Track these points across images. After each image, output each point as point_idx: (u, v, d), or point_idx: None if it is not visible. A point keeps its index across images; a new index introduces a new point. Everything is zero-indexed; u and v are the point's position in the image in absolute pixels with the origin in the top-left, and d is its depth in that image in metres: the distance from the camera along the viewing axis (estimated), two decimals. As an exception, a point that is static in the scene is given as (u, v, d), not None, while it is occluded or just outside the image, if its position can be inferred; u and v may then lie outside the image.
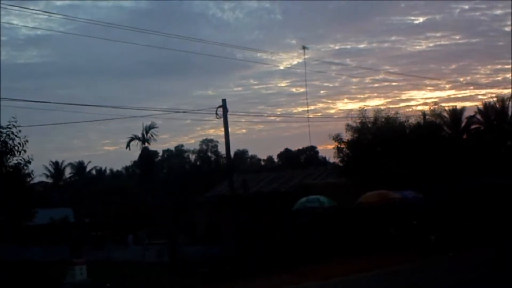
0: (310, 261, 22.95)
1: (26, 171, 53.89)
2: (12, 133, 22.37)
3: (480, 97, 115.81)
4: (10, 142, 22.37)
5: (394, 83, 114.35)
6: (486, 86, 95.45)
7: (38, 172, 71.45)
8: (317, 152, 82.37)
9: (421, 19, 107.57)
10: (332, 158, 39.84)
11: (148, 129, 46.63)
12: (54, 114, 47.36)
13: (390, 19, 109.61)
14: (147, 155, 47.15)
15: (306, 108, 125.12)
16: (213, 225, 36.88)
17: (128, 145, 47.51)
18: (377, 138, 34.39)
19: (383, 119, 35.53)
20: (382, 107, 42.24)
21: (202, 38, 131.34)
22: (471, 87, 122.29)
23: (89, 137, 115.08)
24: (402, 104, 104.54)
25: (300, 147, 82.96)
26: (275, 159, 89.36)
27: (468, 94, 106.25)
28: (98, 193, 65.02)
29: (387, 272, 20.10)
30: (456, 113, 47.79)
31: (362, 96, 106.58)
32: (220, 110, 24.72)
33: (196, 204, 43.45)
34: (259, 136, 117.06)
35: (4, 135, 23.01)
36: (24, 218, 43.79)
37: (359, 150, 34.51)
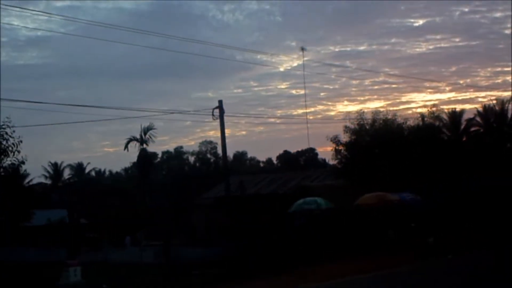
0: (309, 262, 22.85)
1: (21, 172, 54.07)
2: (6, 133, 22.19)
3: (480, 99, 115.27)
4: (4, 142, 22.19)
5: (394, 85, 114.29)
6: (486, 88, 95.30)
7: (37, 173, 71.49)
8: (317, 154, 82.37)
9: (421, 22, 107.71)
10: (331, 160, 39.75)
11: (146, 130, 46.53)
12: (54, 115, 47.34)
13: (390, 22, 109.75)
14: (145, 156, 47.01)
15: (306, 110, 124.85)
16: (211, 226, 36.77)
17: (126, 147, 47.44)
18: (375, 140, 34.29)
19: (381, 121, 35.45)
20: (382, 109, 42.22)
21: (202, 39, 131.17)
22: (471, 90, 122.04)
23: (89, 139, 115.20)
24: (402, 107, 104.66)
25: (300, 149, 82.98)
26: (275, 161, 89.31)
27: (468, 97, 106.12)
28: (97, 195, 64.87)
29: (385, 274, 19.97)
30: (455, 116, 47.60)
31: (362, 98, 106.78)
32: (217, 111, 24.51)
33: (195, 206, 43.35)
34: (259, 138, 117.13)
35: None
36: (22, 219, 43.75)
37: (357, 152, 34.42)
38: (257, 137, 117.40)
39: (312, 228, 26.15)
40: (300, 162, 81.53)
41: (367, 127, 35.49)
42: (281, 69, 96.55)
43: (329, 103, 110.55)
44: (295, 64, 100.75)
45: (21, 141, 22.18)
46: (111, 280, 25.49)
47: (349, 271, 20.56)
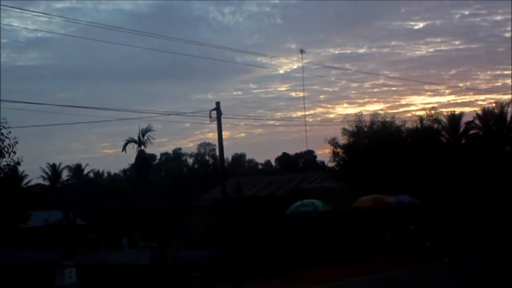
0: (306, 264, 22.74)
1: (19, 173, 53.74)
2: (2, 134, 22.06)
3: (479, 102, 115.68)
4: (0, 143, 22.05)
5: (393, 88, 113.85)
6: (486, 91, 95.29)
7: (36, 174, 71.39)
8: (315, 156, 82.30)
9: (421, 25, 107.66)
10: (329, 162, 39.66)
11: (144, 132, 46.45)
12: (53, 117, 47.23)
13: (390, 24, 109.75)
14: (142, 158, 46.91)
15: (306, 112, 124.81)
16: (209, 228, 36.68)
17: (124, 148, 47.32)
18: (373, 142, 34.18)
19: (379, 124, 35.36)
20: (381, 112, 42.14)
21: (202, 41, 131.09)
22: (471, 93, 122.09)
23: (88, 140, 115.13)
24: (401, 109, 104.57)
25: (298, 151, 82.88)
26: (273, 163, 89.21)
27: (467, 100, 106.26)
28: (95, 196, 64.74)
29: (382, 276, 19.84)
30: (454, 118, 47.60)
31: (361, 101, 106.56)
32: (214, 113, 24.35)
33: (192, 207, 43.21)
34: (259, 140, 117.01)
35: None
36: (20, 220, 43.68)
37: (355, 154, 34.32)
38: (256, 139, 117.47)
39: (309, 231, 26.04)
40: (299, 164, 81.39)
41: (365, 129, 35.41)
42: (281, 72, 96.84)
43: (329, 106, 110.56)
44: (295, 67, 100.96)
45: (16, 142, 22.06)
46: (107, 282, 25.42)
47: (346, 274, 20.45)
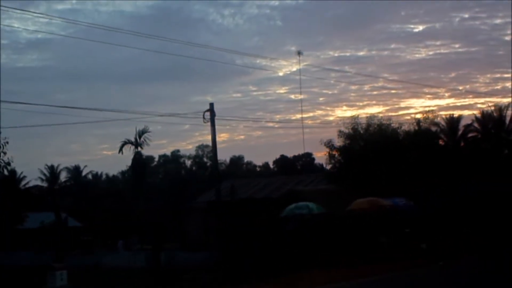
0: (299, 268, 22.45)
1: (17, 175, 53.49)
2: (-9, 135, 21.74)
3: (479, 105, 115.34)
4: (-11, 145, 21.73)
5: (393, 91, 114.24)
6: (485, 94, 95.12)
7: (34, 175, 71.34)
8: (313, 159, 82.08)
9: (420, 28, 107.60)
10: (327, 165, 39.52)
11: (141, 133, 46.27)
12: (52, 118, 47.00)
13: (390, 27, 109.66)
14: (139, 159, 46.79)
15: (305, 115, 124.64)
16: (204, 231, 36.53)
17: (120, 150, 47.16)
18: (369, 145, 34.03)
19: (375, 126, 35.21)
20: (378, 114, 42.03)
21: (201, 43, 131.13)
22: (470, 96, 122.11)
23: (88, 142, 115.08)
24: (401, 112, 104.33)
25: (296, 154, 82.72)
26: (271, 166, 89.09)
27: (467, 103, 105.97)
28: (92, 198, 64.68)
29: (375, 280, 19.66)
30: (453, 121, 47.54)
31: (361, 104, 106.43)
32: (208, 115, 24.16)
33: (189, 209, 43.11)
34: (258, 142, 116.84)
35: None
36: (16, 221, 43.57)
37: (351, 156, 34.17)
38: (255, 141, 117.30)
39: (304, 233, 25.80)
40: (297, 166, 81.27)
41: (362, 131, 35.27)
42: (280, 74, 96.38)
43: (328, 108, 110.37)
44: (294, 69, 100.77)
45: (7, 142, 21.77)
46: (98, 285, 25.24)
47: (338, 278, 20.24)
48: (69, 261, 33.43)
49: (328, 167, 37.10)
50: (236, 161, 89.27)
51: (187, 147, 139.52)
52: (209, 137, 24.71)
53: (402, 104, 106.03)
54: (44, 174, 73.06)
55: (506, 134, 46.58)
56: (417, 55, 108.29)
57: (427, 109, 77.12)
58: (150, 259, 30.53)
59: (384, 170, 32.64)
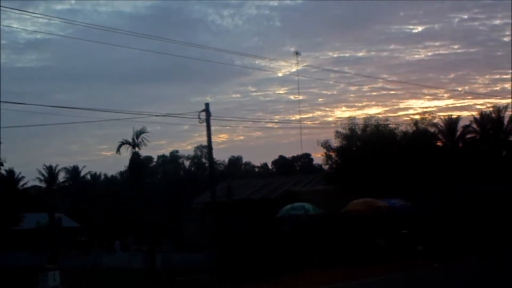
0: (293, 269, 22.34)
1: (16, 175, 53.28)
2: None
3: (478, 106, 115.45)
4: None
5: (392, 92, 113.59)
6: (484, 95, 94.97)
7: (32, 176, 71.22)
8: (312, 159, 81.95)
9: (420, 28, 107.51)
10: (324, 165, 39.35)
11: (138, 133, 46.10)
12: (52, 119, 46.90)
13: (389, 28, 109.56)
14: (136, 160, 46.61)
15: (304, 116, 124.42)
16: (202, 231, 36.39)
17: (118, 150, 46.96)
18: (366, 145, 33.90)
19: (373, 126, 35.08)
20: (376, 115, 41.91)
21: (201, 44, 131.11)
22: (469, 97, 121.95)
23: (87, 142, 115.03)
24: (400, 113, 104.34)
25: (295, 155, 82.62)
26: (270, 166, 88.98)
27: (466, 104, 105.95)
28: (90, 198, 64.55)
29: (374, 281, 19.48)
30: (451, 122, 47.47)
31: (360, 104, 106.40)
32: (203, 115, 24.02)
33: (187, 210, 42.98)
34: (257, 143, 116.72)
35: None
36: (13, 222, 43.42)
37: (348, 157, 34.03)
38: (255, 142, 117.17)
39: (299, 234, 25.68)
40: (296, 167, 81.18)
41: (359, 132, 35.13)
42: (280, 75, 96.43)
43: (327, 109, 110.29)
44: (293, 70, 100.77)
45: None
46: (93, 286, 25.13)
47: (333, 279, 20.08)
48: (66, 262, 33.35)
49: (326, 167, 36.95)
50: (235, 161, 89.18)
51: (187, 148, 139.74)
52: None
53: (401, 105, 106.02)
54: (43, 175, 73.01)
55: (505, 135, 46.54)
56: (416, 56, 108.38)
57: (425, 110, 77.19)
58: (146, 260, 30.41)
59: (382, 170, 32.50)
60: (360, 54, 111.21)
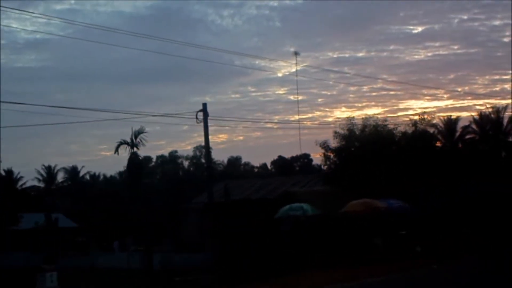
0: (293, 269, 22.27)
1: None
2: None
3: (477, 107, 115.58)
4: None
5: (392, 92, 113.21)
6: (484, 96, 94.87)
7: (31, 176, 71.11)
8: (311, 159, 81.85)
9: (419, 29, 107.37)
10: (323, 165, 39.27)
11: (137, 134, 46.12)
12: (51, 119, 46.79)
13: (389, 28, 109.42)
14: (134, 160, 46.62)
15: (304, 116, 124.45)
16: (200, 232, 36.35)
17: (116, 150, 47.01)
18: (365, 146, 33.84)
19: (371, 127, 35.01)
20: (380, 116, 41.88)
21: (201, 44, 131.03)
22: (469, 97, 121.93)
23: (87, 142, 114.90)
24: (400, 113, 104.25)
25: (294, 155, 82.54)
26: (269, 167, 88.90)
27: (466, 104, 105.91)
28: (89, 198, 64.47)
29: (375, 281, 19.48)
30: (451, 123, 47.49)
31: (360, 105, 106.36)
32: (201, 115, 23.90)
33: (186, 210, 42.93)
34: (257, 143, 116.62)
35: None
36: (11, 222, 43.37)
37: (346, 157, 33.97)
38: (254, 142, 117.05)
39: (298, 235, 25.62)
40: (295, 167, 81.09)
41: (357, 132, 35.07)
42: (280, 75, 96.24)
43: (327, 109, 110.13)
44: (293, 70, 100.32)
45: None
46: (90, 286, 25.05)
47: (334, 279, 20.02)
48: (64, 262, 33.23)
49: (325, 168, 36.90)
50: (234, 162, 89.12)
51: (186, 148, 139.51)
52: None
53: (401, 106, 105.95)
54: (41, 175, 72.98)
55: (504, 136, 46.58)
56: (416, 56, 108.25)
57: (424, 110, 77.18)
58: (144, 260, 30.34)
59: (380, 171, 32.45)
60: (360, 54, 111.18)
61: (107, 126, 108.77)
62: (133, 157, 46.49)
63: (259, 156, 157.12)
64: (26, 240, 42.29)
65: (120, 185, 72.93)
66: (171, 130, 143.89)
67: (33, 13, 52.81)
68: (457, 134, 47.41)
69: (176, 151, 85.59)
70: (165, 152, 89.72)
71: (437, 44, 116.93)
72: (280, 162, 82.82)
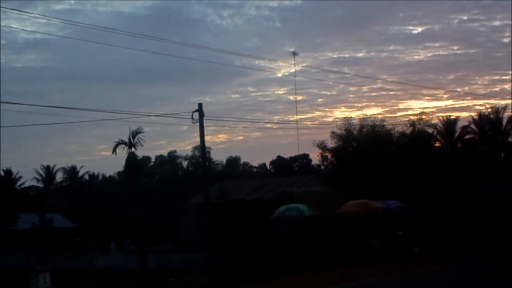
0: (292, 270, 22.12)
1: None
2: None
3: (477, 107, 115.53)
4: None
5: (391, 93, 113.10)
6: (483, 96, 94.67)
7: (30, 176, 71.06)
8: (310, 160, 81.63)
9: (419, 29, 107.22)
10: (322, 166, 39.12)
11: (134, 134, 46.01)
12: (51, 119, 46.61)
13: (389, 29, 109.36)
14: (132, 160, 46.52)
15: (303, 116, 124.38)
16: (197, 232, 36.18)
17: (114, 150, 46.91)
18: (362, 146, 33.71)
19: (369, 127, 34.87)
20: (379, 116, 41.77)
21: (200, 44, 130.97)
22: (469, 98, 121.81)
23: (86, 142, 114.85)
24: (399, 114, 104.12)
25: (293, 155, 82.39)
26: (268, 167, 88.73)
27: (465, 104, 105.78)
28: (87, 198, 64.35)
29: (374, 282, 19.35)
30: (450, 123, 47.35)
31: (359, 105, 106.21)
32: (196, 115, 23.75)
33: (183, 211, 42.79)
34: (256, 143, 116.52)
35: None
36: (9, 222, 43.26)
37: (343, 157, 33.83)
38: (254, 142, 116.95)
39: (295, 236, 25.44)
40: (294, 168, 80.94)
41: (355, 133, 34.92)
42: (279, 75, 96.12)
43: (327, 110, 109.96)
44: (292, 70, 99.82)
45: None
46: (84, 286, 24.93)
47: (334, 279, 19.90)
48: (61, 262, 33.11)
49: (323, 168, 36.78)
50: (233, 162, 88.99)
51: (186, 148, 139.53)
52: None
53: (401, 106, 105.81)
54: (40, 175, 72.86)
55: (503, 136, 46.45)
56: (415, 57, 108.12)
57: (422, 110, 76.87)
58: (140, 260, 30.20)
59: (378, 171, 32.31)
60: (360, 54, 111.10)
61: (106, 126, 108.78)
62: (131, 157, 46.38)
63: (258, 156, 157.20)
64: (24, 241, 42.17)
65: (119, 185, 72.82)
66: (171, 130, 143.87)
67: (32, 13, 52.80)
68: (456, 134, 47.28)
69: (175, 151, 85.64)
70: (165, 152, 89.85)
71: (437, 44, 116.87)
72: (279, 162, 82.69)
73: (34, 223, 43.49)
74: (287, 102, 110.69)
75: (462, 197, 33.07)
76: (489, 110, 48.02)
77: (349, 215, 27.35)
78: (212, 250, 25.83)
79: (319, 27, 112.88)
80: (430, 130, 41.32)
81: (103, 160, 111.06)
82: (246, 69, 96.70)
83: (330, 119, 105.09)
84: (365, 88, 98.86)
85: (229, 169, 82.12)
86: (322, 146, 34.79)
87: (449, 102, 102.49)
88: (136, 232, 42.12)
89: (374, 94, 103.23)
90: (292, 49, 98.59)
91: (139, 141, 46.37)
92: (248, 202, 35.96)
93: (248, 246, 24.51)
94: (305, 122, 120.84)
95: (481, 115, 48.23)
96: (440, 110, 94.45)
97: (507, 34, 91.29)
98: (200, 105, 24.04)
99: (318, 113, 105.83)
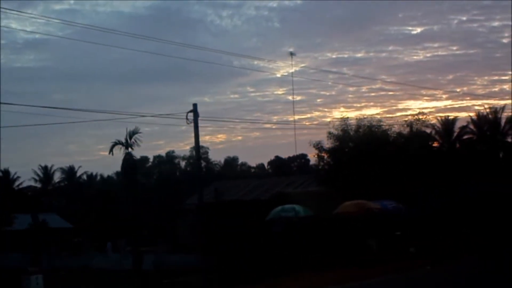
0: (289, 270, 21.96)
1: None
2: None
3: (476, 107, 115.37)
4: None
5: (390, 93, 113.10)
6: (482, 97, 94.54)
7: (28, 176, 70.86)
8: (308, 160, 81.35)
9: (418, 30, 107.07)
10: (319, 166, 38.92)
11: (131, 134, 45.84)
12: (50, 119, 46.34)
13: (388, 29, 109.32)
14: (129, 160, 46.34)
15: (302, 116, 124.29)
16: (193, 233, 36.04)
17: (111, 150, 46.71)
18: (359, 146, 33.55)
19: (365, 127, 34.71)
20: (378, 116, 41.64)
21: (200, 44, 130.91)
22: (468, 98, 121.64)
23: (85, 142, 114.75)
24: (398, 114, 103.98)
25: (291, 155, 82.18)
26: (266, 167, 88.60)
27: (464, 105, 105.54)
28: (85, 199, 64.25)
29: (373, 282, 19.32)
30: (448, 123, 47.18)
31: (358, 105, 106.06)
32: (191, 115, 23.48)
33: (180, 211, 42.69)
34: (255, 143, 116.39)
35: None
36: (6, 222, 43.12)
37: (340, 158, 33.67)
38: (253, 142, 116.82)
39: (291, 236, 25.29)
40: (292, 168, 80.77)
41: (351, 133, 34.75)
42: (278, 75, 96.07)
43: (326, 110, 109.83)
44: (292, 70, 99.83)
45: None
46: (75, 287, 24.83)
47: (332, 280, 19.82)
48: (57, 263, 32.98)
49: (319, 168, 36.61)
50: (231, 162, 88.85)
51: (184, 148, 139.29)
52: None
53: (400, 106, 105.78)
54: (38, 175, 72.68)
55: (502, 136, 46.29)
56: (415, 57, 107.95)
57: (420, 111, 76.72)
58: (135, 261, 30.12)
59: (375, 171, 32.16)
60: (359, 55, 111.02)
61: (105, 126, 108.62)
62: (128, 157, 46.23)
63: (258, 156, 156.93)
64: (20, 241, 42.08)
65: (117, 185, 72.67)
66: (170, 131, 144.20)
67: (32, 13, 52.56)
68: (455, 134, 47.10)
69: (173, 151, 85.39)
70: (163, 152, 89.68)
71: (436, 45, 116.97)
72: (277, 162, 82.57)
73: (30, 223, 43.43)
74: (286, 102, 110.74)
75: (462, 197, 33.00)
76: (488, 110, 47.92)
77: (345, 215, 27.19)
78: (207, 251, 25.66)
79: (319, 27, 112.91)
80: (428, 130, 41.19)
81: (102, 160, 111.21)
82: (245, 69, 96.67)
83: (329, 119, 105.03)
84: (364, 88, 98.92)
85: (227, 170, 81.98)
86: (318, 146, 34.67)
87: (448, 103, 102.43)
88: (131, 233, 42.04)
89: (373, 94, 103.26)
90: (291, 50, 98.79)
91: (136, 141, 46.24)
92: (245, 202, 35.82)
93: (244, 247, 24.37)
94: (304, 122, 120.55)
95: (479, 115, 48.09)
96: (439, 110, 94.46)
97: (507, 34, 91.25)
98: (194, 105, 23.76)
99: (317, 113, 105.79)
